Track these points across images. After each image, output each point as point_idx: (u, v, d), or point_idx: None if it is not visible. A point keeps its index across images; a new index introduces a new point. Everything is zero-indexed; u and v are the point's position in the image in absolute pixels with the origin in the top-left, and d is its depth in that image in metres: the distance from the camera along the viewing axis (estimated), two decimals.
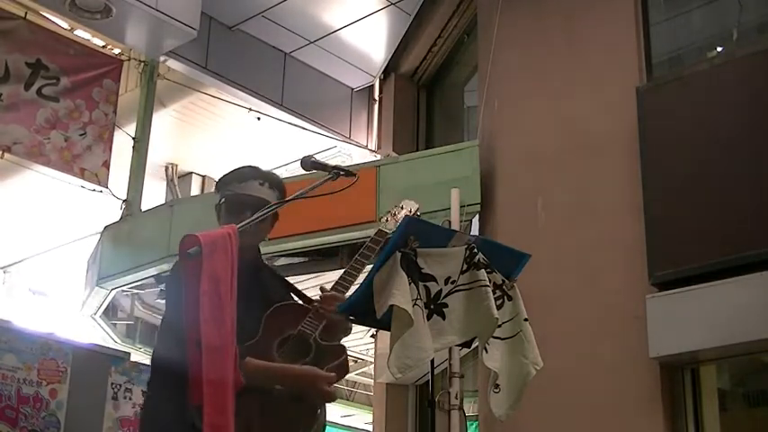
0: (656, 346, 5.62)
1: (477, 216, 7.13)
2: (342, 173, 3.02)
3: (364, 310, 3.47)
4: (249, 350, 2.82)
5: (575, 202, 6.50)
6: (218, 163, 10.97)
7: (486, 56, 7.60)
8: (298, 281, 8.72)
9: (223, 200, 3.10)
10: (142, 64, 9.09)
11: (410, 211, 3.15)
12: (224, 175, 3.17)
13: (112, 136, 8.60)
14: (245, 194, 3.05)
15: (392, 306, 3.33)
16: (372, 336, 9.91)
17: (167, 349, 2.88)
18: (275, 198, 3.11)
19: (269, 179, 3.12)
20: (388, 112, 10.14)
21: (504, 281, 3.72)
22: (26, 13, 8.25)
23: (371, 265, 3.25)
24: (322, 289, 3.10)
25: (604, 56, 6.75)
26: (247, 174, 3.11)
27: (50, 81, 8.23)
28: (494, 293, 3.60)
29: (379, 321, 3.43)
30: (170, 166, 11.38)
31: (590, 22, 6.96)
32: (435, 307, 3.52)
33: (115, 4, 7.83)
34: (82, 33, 8.85)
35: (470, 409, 7.00)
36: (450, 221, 6.55)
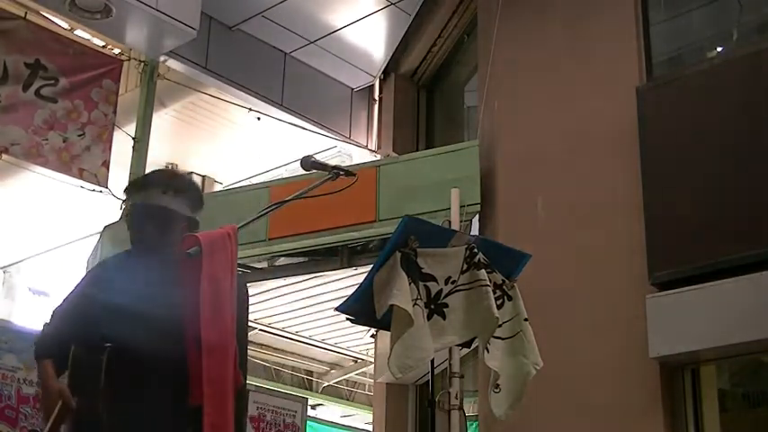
0: (656, 346, 5.62)
1: (477, 216, 7.13)
2: (342, 173, 3.02)
3: (364, 310, 3.48)
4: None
5: (575, 202, 6.50)
6: (218, 163, 10.98)
7: (486, 56, 7.60)
8: (297, 281, 8.75)
9: (126, 213, 2.99)
10: (142, 64, 9.09)
11: None
12: (129, 183, 3.09)
13: (112, 136, 8.58)
14: (147, 205, 2.91)
15: (392, 306, 3.34)
16: (372, 336, 9.91)
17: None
18: (184, 206, 2.96)
19: (173, 186, 2.97)
20: (388, 112, 10.14)
21: (504, 281, 3.73)
22: (26, 13, 8.24)
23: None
24: None
25: (604, 56, 6.75)
26: (149, 182, 2.99)
27: (49, 82, 8.22)
28: (494, 293, 3.61)
29: (379, 321, 3.44)
30: (170, 166, 11.37)
31: (590, 22, 6.96)
32: (436, 307, 3.53)
33: (115, 4, 7.82)
34: (82, 33, 8.84)
35: (470, 409, 7.00)
36: (450, 221, 6.54)
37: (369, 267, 3.49)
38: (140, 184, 3.01)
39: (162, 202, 2.91)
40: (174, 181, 3.01)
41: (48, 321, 2.95)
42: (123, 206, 3.06)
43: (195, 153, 10.98)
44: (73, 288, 3.03)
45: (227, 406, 2.61)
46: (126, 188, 3.05)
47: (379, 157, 9.70)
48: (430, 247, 3.55)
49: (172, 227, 2.93)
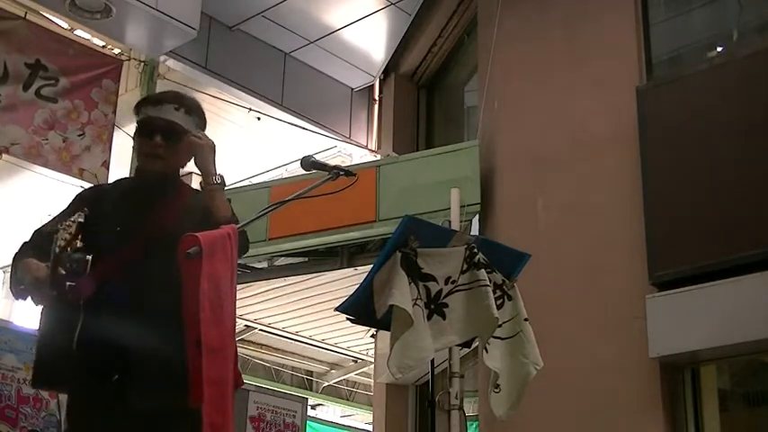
0: (656, 346, 5.62)
1: (477, 216, 7.13)
2: (342, 173, 3.02)
3: (364, 310, 3.48)
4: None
5: (575, 202, 6.50)
6: (218, 163, 10.96)
7: (486, 56, 7.60)
8: (297, 281, 8.75)
9: (137, 124, 3.07)
10: (142, 64, 9.08)
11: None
12: (142, 99, 3.16)
13: (112, 136, 8.57)
14: (157, 117, 2.99)
15: (392, 306, 3.34)
16: (372, 336, 9.91)
17: None
18: (191, 123, 3.05)
19: (185, 104, 3.06)
20: (388, 112, 10.14)
21: (504, 281, 3.73)
22: (26, 13, 8.23)
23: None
24: None
25: (604, 56, 6.75)
26: (162, 98, 3.08)
27: (49, 82, 8.21)
28: (494, 293, 3.61)
29: (379, 321, 3.44)
30: None
31: (590, 21, 6.96)
32: (436, 307, 3.53)
33: (115, 4, 7.81)
34: (82, 33, 8.84)
35: (470, 409, 7.00)
36: (450, 221, 6.55)
37: (369, 267, 3.49)
38: (153, 99, 3.08)
39: (174, 118, 3.00)
40: (185, 99, 3.10)
41: (27, 240, 2.99)
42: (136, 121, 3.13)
43: None
44: (60, 211, 3.07)
45: (227, 406, 2.61)
46: (138, 103, 3.10)
47: (379, 157, 9.70)
48: (430, 247, 3.55)
49: (180, 142, 3.00)
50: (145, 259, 2.83)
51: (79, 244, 2.63)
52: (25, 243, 2.98)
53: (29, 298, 2.80)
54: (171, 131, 2.99)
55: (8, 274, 3.07)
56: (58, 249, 2.61)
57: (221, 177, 2.94)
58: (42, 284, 2.68)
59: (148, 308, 2.78)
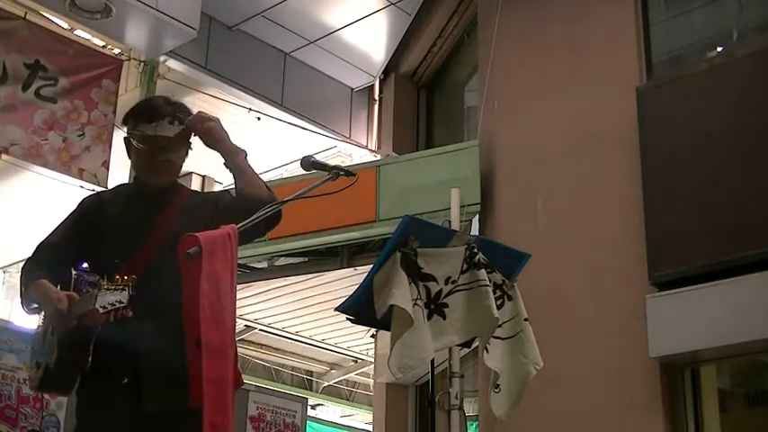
0: (656, 346, 5.62)
1: (477, 216, 7.13)
2: (342, 173, 3.01)
3: (364, 310, 3.48)
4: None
5: (575, 202, 6.50)
6: (218, 163, 10.97)
7: (486, 56, 7.60)
8: (297, 281, 8.75)
9: (133, 140, 3.05)
10: (142, 64, 9.08)
11: None
12: (133, 109, 3.13)
13: (112, 136, 8.57)
14: (156, 137, 3.02)
15: (392, 306, 3.33)
16: (372, 336, 9.91)
17: None
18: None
19: (177, 116, 3.07)
20: (388, 112, 10.14)
21: (504, 281, 3.73)
22: (26, 13, 8.23)
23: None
24: None
25: (604, 56, 6.75)
26: (155, 112, 3.07)
27: (49, 82, 8.21)
28: (494, 293, 3.61)
29: (379, 321, 3.44)
30: None
31: (590, 21, 6.96)
32: (436, 307, 3.52)
33: (115, 4, 7.81)
34: (82, 33, 8.84)
35: (470, 409, 7.00)
36: (450, 221, 6.55)
37: (369, 267, 3.48)
38: (146, 116, 3.07)
39: (172, 134, 3.05)
40: (176, 109, 3.12)
41: (32, 254, 3.00)
42: (128, 133, 3.11)
43: (195, 153, 10.93)
44: (62, 221, 3.11)
45: (227, 406, 2.61)
46: (129, 115, 3.10)
47: (379, 157, 9.70)
48: (430, 247, 3.54)
49: (180, 155, 3.08)
50: (156, 264, 2.84)
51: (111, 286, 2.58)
52: (29, 259, 2.99)
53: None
54: (171, 149, 3.04)
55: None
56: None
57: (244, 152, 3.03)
58: (64, 316, 2.70)
59: (162, 313, 2.79)
